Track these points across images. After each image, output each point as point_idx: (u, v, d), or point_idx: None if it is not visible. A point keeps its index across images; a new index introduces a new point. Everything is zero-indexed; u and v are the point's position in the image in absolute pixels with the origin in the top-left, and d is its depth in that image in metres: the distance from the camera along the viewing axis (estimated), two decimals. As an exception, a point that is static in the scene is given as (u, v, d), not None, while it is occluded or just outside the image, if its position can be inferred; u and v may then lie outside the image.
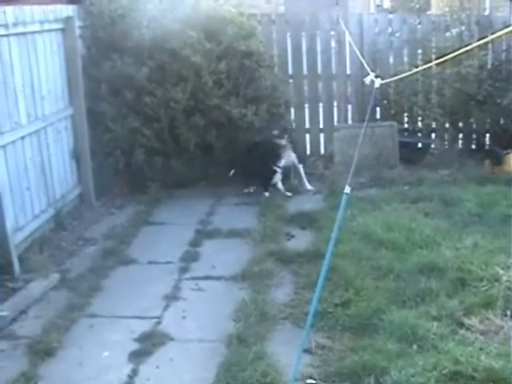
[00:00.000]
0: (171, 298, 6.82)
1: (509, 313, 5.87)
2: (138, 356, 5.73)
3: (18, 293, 6.98)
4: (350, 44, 10.72)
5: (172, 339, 5.99)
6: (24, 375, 5.46)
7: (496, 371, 4.85)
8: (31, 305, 6.75)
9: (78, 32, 9.57)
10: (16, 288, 7.08)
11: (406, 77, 10.21)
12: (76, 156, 9.64)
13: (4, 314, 6.55)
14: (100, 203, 9.84)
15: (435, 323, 5.73)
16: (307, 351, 5.49)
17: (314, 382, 5.20)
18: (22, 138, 8.04)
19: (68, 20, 9.29)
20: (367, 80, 4.48)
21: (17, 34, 7.95)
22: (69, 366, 5.65)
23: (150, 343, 5.90)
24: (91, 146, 9.81)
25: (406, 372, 4.98)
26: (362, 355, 5.33)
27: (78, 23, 9.59)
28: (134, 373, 5.49)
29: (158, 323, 6.30)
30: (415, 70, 9.11)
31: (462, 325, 5.79)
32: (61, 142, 9.23)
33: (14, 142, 7.81)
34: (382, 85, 4.46)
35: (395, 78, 5.24)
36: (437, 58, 9.27)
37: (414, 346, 5.45)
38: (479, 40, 6.01)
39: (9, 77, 7.74)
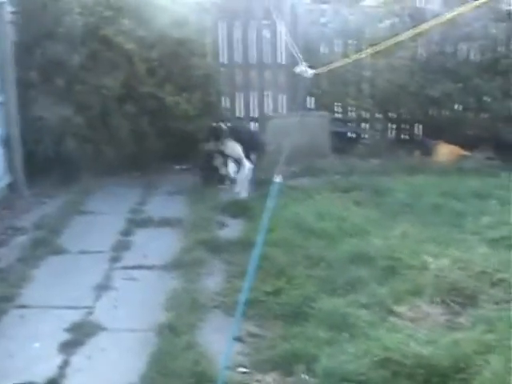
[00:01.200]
0: (103, 287, 6.77)
1: (437, 300, 5.97)
2: (69, 346, 5.67)
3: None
4: (284, 34, 10.75)
5: (104, 329, 5.95)
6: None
7: (425, 357, 4.92)
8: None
9: (8, 17, 9.41)
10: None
11: (339, 67, 10.29)
12: (6, 144, 9.49)
13: None
14: (31, 192, 9.70)
15: (365, 311, 5.81)
16: (238, 339, 5.51)
17: (245, 370, 5.23)
18: (-50, 125, 7.90)
19: (-2, 6, 9.14)
20: (297, 69, 4.50)
21: None
22: (-2, 358, 5.59)
23: (81, 333, 5.85)
24: (22, 133, 9.65)
25: (336, 359, 5.03)
26: (293, 343, 5.38)
27: (8, 8, 9.42)
28: (65, 363, 5.44)
29: (90, 313, 6.24)
30: (348, 60, 9.17)
31: (391, 312, 5.87)
32: (-10, 129, 9.09)
33: None
34: (314, 75, 4.49)
35: (327, 67, 5.26)
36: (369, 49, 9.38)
37: (345, 334, 5.50)
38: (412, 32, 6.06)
39: None
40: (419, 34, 10.34)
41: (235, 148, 9.49)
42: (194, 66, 10.31)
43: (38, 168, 9.84)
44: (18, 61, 9.57)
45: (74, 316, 6.15)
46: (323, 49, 11.52)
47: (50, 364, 5.43)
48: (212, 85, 10.72)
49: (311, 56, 10.55)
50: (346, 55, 10.81)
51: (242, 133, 9.99)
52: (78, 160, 9.81)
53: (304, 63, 4.44)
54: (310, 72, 4.44)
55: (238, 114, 11.68)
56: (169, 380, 5.03)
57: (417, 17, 11.11)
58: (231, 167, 9.67)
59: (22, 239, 8.04)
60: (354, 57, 9.65)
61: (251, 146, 9.73)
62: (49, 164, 9.84)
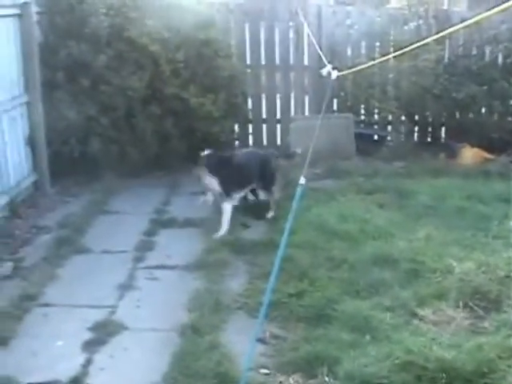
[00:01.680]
0: (126, 287, 6.80)
1: (461, 304, 5.94)
2: (92, 345, 5.72)
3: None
4: (308, 35, 10.74)
5: (126, 328, 5.98)
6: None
7: (448, 361, 4.90)
8: (-16, 292, 6.71)
9: (35, 18, 9.47)
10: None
11: (364, 69, 10.26)
12: (31, 143, 9.56)
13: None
14: (55, 191, 9.77)
15: (388, 314, 5.79)
16: (261, 341, 5.53)
17: (267, 371, 5.23)
18: (-24, 124, 7.96)
19: (25, 6, 9.18)
20: (324, 71, 4.50)
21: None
22: (22, 356, 5.61)
23: (104, 332, 5.89)
24: (47, 133, 9.72)
25: (358, 362, 5.02)
26: (316, 345, 5.37)
27: (35, 9, 9.49)
28: (88, 362, 5.47)
29: (113, 312, 6.28)
30: (372, 63, 9.15)
31: (414, 315, 5.85)
32: (16, 129, 9.15)
33: (-33, 128, 7.73)
34: (339, 77, 4.49)
35: (352, 70, 5.26)
36: (394, 52, 9.36)
37: (367, 336, 5.49)
38: (436, 34, 6.04)
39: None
40: (444, 37, 10.32)
41: (211, 182, 8.27)
42: (219, 67, 10.32)
43: (63, 167, 9.89)
44: (43, 61, 9.63)
45: (97, 315, 6.19)
46: (348, 51, 11.50)
47: (73, 362, 5.46)
48: (237, 86, 10.74)
49: (336, 58, 10.59)
50: (370, 57, 10.77)
51: (228, 163, 8.40)
52: (103, 160, 9.86)
53: (329, 65, 4.42)
54: (335, 73, 4.43)
55: (262, 116, 11.66)
56: (191, 380, 5.04)
57: (442, 19, 11.08)
58: (205, 200, 8.64)
59: (46, 238, 8.08)
60: (379, 59, 9.64)
61: (240, 179, 8.40)
62: (73, 163, 9.89)
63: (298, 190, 4.29)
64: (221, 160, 8.34)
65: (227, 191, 8.15)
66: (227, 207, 8.11)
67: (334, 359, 5.17)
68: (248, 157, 8.82)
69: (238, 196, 8.37)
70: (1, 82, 8.63)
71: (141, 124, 9.88)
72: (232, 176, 8.20)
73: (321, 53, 6.96)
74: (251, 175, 8.52)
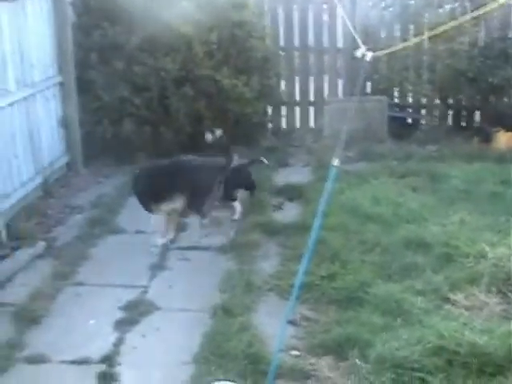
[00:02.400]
0: (158, 267, 6.85)
1: (494, 289, 5.89)
2: (124, 324, 5.77)
3: (4, 260, 6.99)
4: (342, 17, 10.66)
5: (158, 308, 6.02)
6: (9, 342, 5.49)
7: (479, 347, 4.86)
8: (17, 272, 6.76)
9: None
10: (2, 255, 7.08)
11: (398, 52, 10.19)
12: (64, 124, 9.61)
13: (-11, 280, 6.56)
14: (88, 171, 9.83)
15: (420, 298, 5.76)
16: (292, 323, 5.52)
17: (298, 353, 5.23)
18: (11, 104, 8.01)
19: (59, -13, 9.23)
20: (358, 53, 4.45)
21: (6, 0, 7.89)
22: (55, 334, 5.67)
23: (136, 312, 5.94)
24: (80, 114, 9.78)
25: (390, 345, 4.99)
26: (347, 328, 5.37)
27: (69, -10, 9.52)
28: (120, 341, 5.52)
29: (145, 292, 6.32)
30: (408, 43, 9.07)
31: (447, 300, 5.81)
32: (49, 109, 9.20)
33: (2, 108, 7.78)
34: (373, 59, 4.44)
35: (387, 51, 5.20)
36: (429, 34, 9.26)
37: (399, 320, 5.47)
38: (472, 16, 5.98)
39: (-2, 43, 7.70)
40: (480, 19, 10.20)
41: None
42: (252, 48, 10.29)
43: (95, 148, 9.95)
44: (76, 42, 9.67)
45: (130, 295, 6.24)
46: (382, 33, 11.41)
47: (105, 341, 5.52)
48: (270, 68, 10.71)
49: (370, 40, 10.47)
50: (404, 40, 10.67)
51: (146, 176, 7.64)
52: (135, 141, 9.88)
53: (364, 46, 4.38)
54: (370, 55, 4.38)
55: (295, 98, 11.62)
56: (222, 361, 5.05)
57: (477, 1, 10.94)
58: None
59: (78, 218, 8.14)
60: (413, 40, 9.55)
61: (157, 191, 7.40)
62: (106, 144, 9.94)
63: (332, 172, 4.26)
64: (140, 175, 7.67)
65: (145, 205, 7.41)
66: (152, 219, 7.51)
67: (366, 342, 5.15)
68: (171, 167, 7.59)
69: (163, 208, 7.36)
70: (35, 62, 8.67)
71: (174, 105, 9.88)
72: (149, 189, 7.42)
73: (355, 34, 6.89)
74: (172, 187, 7.33)
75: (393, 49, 6.09)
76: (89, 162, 9.98)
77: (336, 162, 4.27)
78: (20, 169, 8.23)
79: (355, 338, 5.22)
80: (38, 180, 8.68)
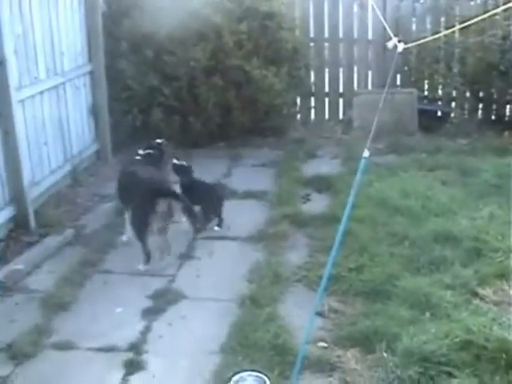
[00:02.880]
0: (186, 256, 6.86)
1: (523, 284, 5.85)
2: (151, 313, 5.79)
3: (32, 247, 7.03)
4: (373, 9, 10.61)
5: (185, 297, 6.03)
6: (37, 328, 5.52)
7: (508, 342, 4.82)
8: (46, 259, 6.80)
9: (99, -12, 9.53)
10: (31, 242, 7.12)
11: (428, 44, 10.12)
12: (94, 113, 9.65)
13: (19, 267, 6.60)
14: (117, 160, 9.84)
15: (449, 292, 5.71)
16: (320, 314, 5.51)
17: (325, 345, 5.22)
18: (41, 93, 8.04)
19: (90, -25, 9.25)
20: (389, 44, 4.41)
21: (38, -12, 7.93)
22: (82, 321, 5.70)
23: (163, 301, 5.95)
24: (109, 103, 9.81)
25: (417, 339, 4.96)
26: (375, 320, 5.34)
27: (99, -21, 9.54)
28: (147, 329, 5.54)
29: (172, 281, 6.34)
30: (439, 34, 8.99)
31: (475, 294, 5.77)
32: (79, 98, 9.23)
33: (32, 96, 7.81)
34: (403, 51, 4.41)
35: (418, 41, 5.15)
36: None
37: (427, 314, 5.44)
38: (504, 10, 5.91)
39: (29, 31, 7.72)
40: (511, 12, 10.09)
41: None
42: (282, 39, 10.27)
43: (124, 137, 9.97)
44: (106, 31, 9.69)
45: (157, 283, 6.27)
46: (413, 26, 11.33)
47: (132, 329, 5.54)
48: (300, 59, 10.69)
49: (400, 32, 10.43)
50: (435, 33, 10.58)
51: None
52: (164, 130, 9.89)
53: (395, 38, 4.34)
54: (401, 46, 4.35)
55: (325, 89, 11.58)
56: (249, 351, 5.05)
57: (509, -6, 10.83)
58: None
59: (107, 206, 8.17)
60: (444, 32, 9.48)
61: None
62: (135, 133, 9.96)
63: (361, 163, 4.23)
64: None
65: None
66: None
67: (393, 335, 5.12)
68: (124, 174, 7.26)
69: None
70: (65, 51, 8.70)
71: (203, 95, 9.89)
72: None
73: (386, 25, 6.85)
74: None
75: (424, 40, 6.05)
76: (118, 151, 10.01)
77: (366, 153, 4.24)
78: (49, 156, 8.27)
79: (383, 330, 5.19)
80: (67, 168, 8.72)
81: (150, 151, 7.41)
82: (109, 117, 9.84)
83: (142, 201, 6.51)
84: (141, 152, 7.39)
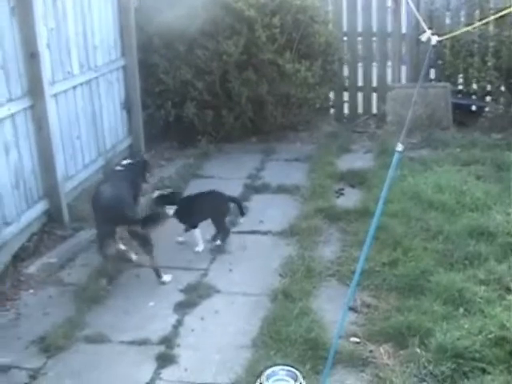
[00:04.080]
0: (218, 251, 6.86)
1: (558, 281, 5.78)
2: (183, 307, 5.81)
3: (66, 241, 7.08)
4: (407, 2, 10.53)
5: (218, 291, 6.05)
6: (70, 321, 5.56)
7: (542, 339, 4.80)
8: (79, 253, 6.84)
9: (131, -17, 9.55)
10: (64, 236, 7.17)
11: (463, 38, 10.02)
12: (127, 107, 9.67)
13: (52, 260, 6.65)
14: (150, 155, 9.87)
15: (483, 287, 5.67)
16: (352, 309, 5.50)
17: (358, 340, 5.19)
18: (74, 87, 8.08)
19: (122, -30, 9.28)
20: (423, 37, 4.36)
21: (71, -17, 7.96)
22: (115, 315, 5.74)
23: (195, 295, 5.97)
24: (142, 97, 9.84)
25: (451, 334, 4.94)
26: (408, 315, 5.32)
27: (132, -26, 9.56)
28: (179, 323, 5.57)
29: (204, 275, 6.35)
30: (473, 26, 8.90)
31: (509, 290, 5.71)
32: (112, 92, 9.25)
33: (65, 91, 7.84)
34: (437, 44, 4.36)
35: (452, 34, 5.10)
36: (494, 20, 9.09)
37: (461, 309, 5.40)
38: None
39: (62, 25, 7.75)
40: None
41: None
42: (315, 33, 10.20)
43: (157, 131, 10.01)
44: (139, 25, 9.69)
45: (189, 277, 6.28)
46: (447, 19, 11.22)
47: (165, 323, 5.57)
48: (333, 53, 10.63)
49: (434, 26, 10.34)
50: (470, 26, 10.48)
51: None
52: (197, 124, 9.92)
53: (429, 30, 4.29)
54: (435, 39, 4.30)
55: (358, 84, 11.52)
56: (281, 345, 5.05)
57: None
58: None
59: (141, 200, 8.16)
60: (478, 23, 9.39)
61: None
62: (168, 127, 10.00)
63: (395, 157, 4.20)
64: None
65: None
66: None
67: (426, 330, 5.11)
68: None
69: None
70: (99, 45, 8.73)
71: (236, 89, 9.88)
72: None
73: (420, 18, 6.79)
74: None
75: (458, 32, 6.00)
76: (151, 145, 10.04)
77: (400, 147, 4.20)
78: (83, 151, 8.30)
79: (416, 326, 5.17)
80: (100, 162, 8.75)
81: (131, 162, 7.23)
82: (141, 111, 9.86)
83: (100, 226, 6.39)
84: (123, 162, 7.18)
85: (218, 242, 6.97)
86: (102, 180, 7.42)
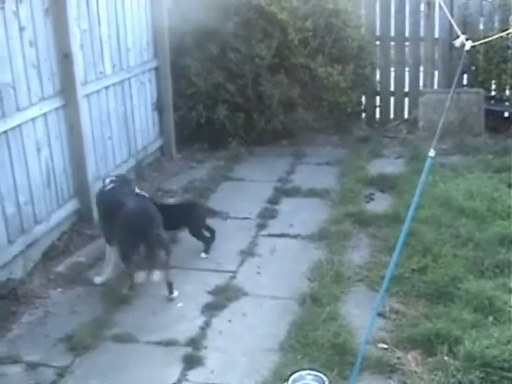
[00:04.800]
0: (247, 253, 6.86)
1: None
2: (211, 309, 5.81)
3: (95, 240, 7.10)
4: (440, 7, 10.48)
5: (246, 294, 6.04)
6: (97, 320, 5.59)
7: None
8: (108, 252, 6.85)
9: (165, -16, 9.58)
10: (94, 235, 7.20)
11: (497, 43, 9.95)
12: (159, 109, 9.71)
13: (81, 260, 6.68)
14: (180, 156, 9.92)
15: (513, 296, 5.62)
16: (381, 315, 5.46)
17: (386, 346, 5.16)
18: (106, 87, 8.12)
19: (156, -29, 9.31)
20: (457, 42, 4.34)
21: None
22: (142, 315, 5.75)
23: (223, 297, 5.96)
24: (174, 99, 9.86)
25: (480, 343, 4.89)
26: (436, 323, 5.27)
27: (164, -24, 9.59)
28: (207, 325, 5.56)
29: (233, 278, 6.35)
30: (507, 31, 8.83)
31: (540, 300, 5.66)
32: (144, 93, 9.29)
33: (98, 91, 7.89)
34: (470, 50, 4.33)
35: (486, 40, 5.07)
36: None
37: (490, 318, 5.35)
38: None
39: (95, 26, 7.80)
40: None
41: None
42: (348, 37, 10.21)
43: (188, 133, 10.03)
44: (172, 27, 9.72)
45: (218, 279, 6.28)
46: (481, 25, 11.15)
47: (192, 324, 5.57)
48: (365, 57, 10.61)
49: (468, 31, 10.26)
50: (504, 31, 10.40)
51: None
52: (228, 127, 9.93)
53: (463, 35, 4.27)
54: (469, 44, 4.27)
55: (390, 88, 11.46)
56: (308, 349, 5.03)
57: None
58: None
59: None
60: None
61: None
62: (199, 129, 10.02)
63: (427, 163, 4.17)
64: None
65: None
66: None
67: (455, 338, 5.05)
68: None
69: None
70: (131, 46, 8.77)
71: (267, 92, 9.88)
72: None
73: (453, 23, 6.76)
74: None
75: (493, 38, 5.96)
76: (182, 147, 10.08)
77: (432, 152, 4.18)
78: (114, 151, 8.34)
79: (444, 333, 5.11)
80: (131, 163, 8.79)
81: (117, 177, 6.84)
82: (173, 113, 9.89)
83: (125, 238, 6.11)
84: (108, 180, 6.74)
85: (203, 255, 6.82)
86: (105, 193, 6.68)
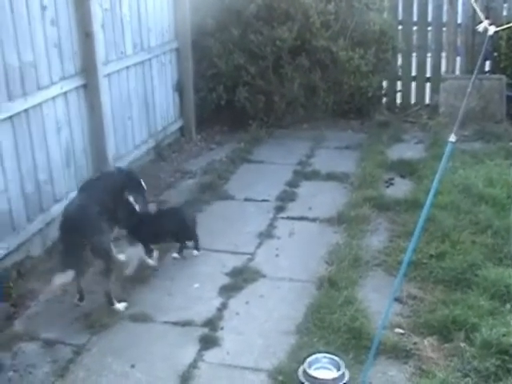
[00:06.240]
0: (265, 235, 6.86)
1: None
2: (228, 290, 5.81)
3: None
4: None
5: (263, 276, 6.04)
6: (115, 300, 5.58)
7: None
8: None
9: (186, -35, 9.56)
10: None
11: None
12: (179, 89, 9.71)
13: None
14: (200, 138, 9.93)
15: (531, 284, 5.59)
16: (398, 300, 5.44)
17: (402, 331, 5.15)
18: (127, 67, 8.14)
19: (178, -48, 9.30)
20: (480, 27, 4.29)
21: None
22: (160, 295, 5.78)
23: (241, 279, 5.97)
24: (195, 80, 9.86)
25: (497, 330, 4.87)
26: (453, 309, 5.24)
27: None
28: (224, 306, 5.57)
29: (251, 260, 6.35)
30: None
31: (559, 288, 5.63)
32: (165, 74, 9.30)
33: (118, 71, 7.91)
34: (493, 36, 4.30)
35: (510, 25, 5.02)
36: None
37: (508, 305, 5.33)
38: None
39: (116, 7, 7.82)
40: None
41: None
42: (370, 21, 10.14)
43: (209, 114, 10.03)
44: (193, 8, 9.71)
45: (235, 261, 6.29)
46: (504, 11, 11.05)
47: (209, 305, 5.58)
48: (387, 41, 10.52)
49: (491, 17, 10.16)
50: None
51: None
52: (249, 109, 9.92)
53: (486, 20, 4.23)
54: (493, 29, 4.23)
55: (412, 73, 11.40)
56: (325, 332, 5.04)
57: None
58: None
59: (189, 183, 8.25)
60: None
61: None
62: (219, 111, 10.01)
63: (448, 148, 4.14)
64: None
65: None
66: None
67: (472, 325, 5.03)
68: None
69: None
70: (152, 27, 8.77)
71: (288, 75, 9.87)
72: None
73: (477, 8, 6.70)
74: None
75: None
76: (202, 129, 10.09)
77: (453, 138, 4.15)
78: (134, 131, 8.36)
79: (461, 320, 5.10)
80: (151, 143, 8.81)
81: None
82: (193, 94, 9.89)
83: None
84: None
85: (196, 252, 6.55)
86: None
